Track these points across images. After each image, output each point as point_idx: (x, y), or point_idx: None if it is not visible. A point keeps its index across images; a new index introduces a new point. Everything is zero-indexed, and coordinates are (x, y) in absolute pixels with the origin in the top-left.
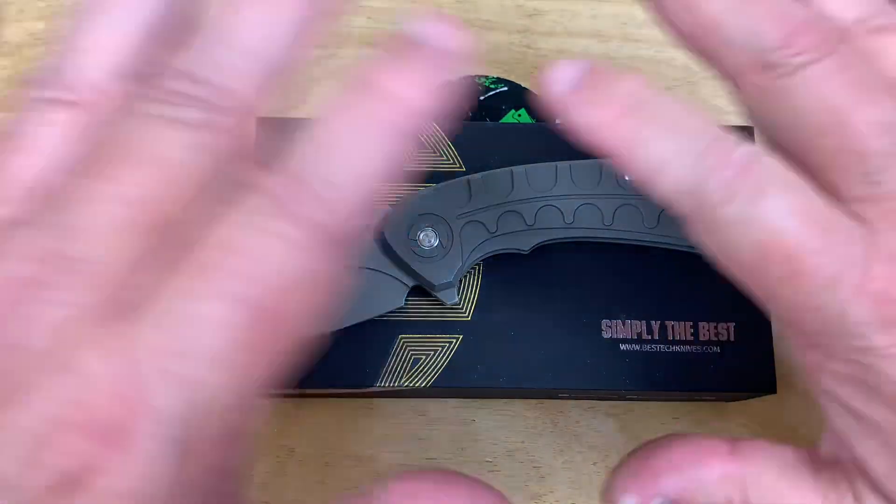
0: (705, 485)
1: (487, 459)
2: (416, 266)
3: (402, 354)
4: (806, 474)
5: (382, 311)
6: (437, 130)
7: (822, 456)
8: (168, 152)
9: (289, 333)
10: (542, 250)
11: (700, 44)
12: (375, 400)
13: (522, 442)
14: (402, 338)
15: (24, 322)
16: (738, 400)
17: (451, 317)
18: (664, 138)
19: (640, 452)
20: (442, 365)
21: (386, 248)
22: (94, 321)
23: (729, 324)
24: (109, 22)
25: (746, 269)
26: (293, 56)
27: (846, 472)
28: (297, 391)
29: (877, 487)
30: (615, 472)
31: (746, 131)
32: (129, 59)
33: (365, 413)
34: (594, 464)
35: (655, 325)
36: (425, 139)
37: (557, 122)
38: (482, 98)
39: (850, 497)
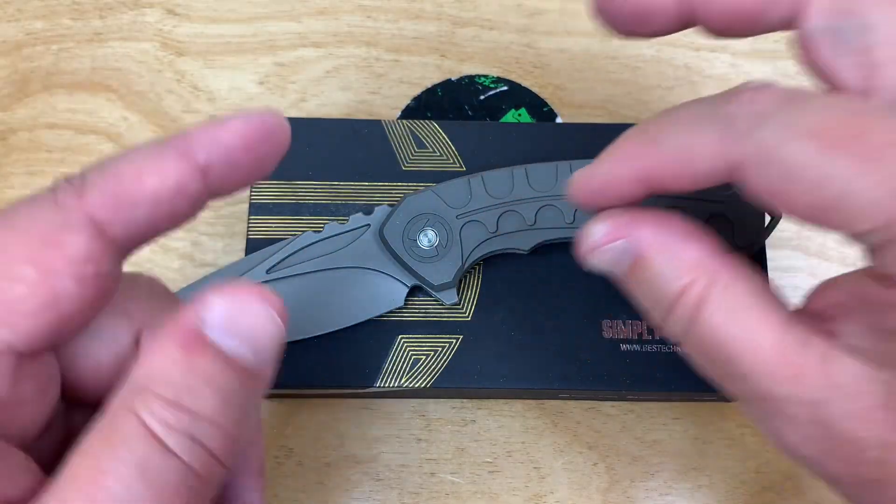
0: (676, 260)
1: (487, 459)
2: (415, 266)
3: (402, 354)
4: (778, 308)
5: (382, 311)
6: (438, 130)
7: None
8: None
9: None
10: (542, 250)
11: None
12: (375, 400)
13: (522, 442)
14: (402, 338)
15: None
16: (738, 400)
17: (451, 317)
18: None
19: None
20: (442, 365)
21: (386, 248)
22: None
23: None
24: None
25: None
26: None
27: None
28: (297, 391)
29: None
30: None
31: None
32: None
33: (365, 413)
34: (594, 464)
35: None
36: (425, 139)
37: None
38: (482, 98)
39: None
